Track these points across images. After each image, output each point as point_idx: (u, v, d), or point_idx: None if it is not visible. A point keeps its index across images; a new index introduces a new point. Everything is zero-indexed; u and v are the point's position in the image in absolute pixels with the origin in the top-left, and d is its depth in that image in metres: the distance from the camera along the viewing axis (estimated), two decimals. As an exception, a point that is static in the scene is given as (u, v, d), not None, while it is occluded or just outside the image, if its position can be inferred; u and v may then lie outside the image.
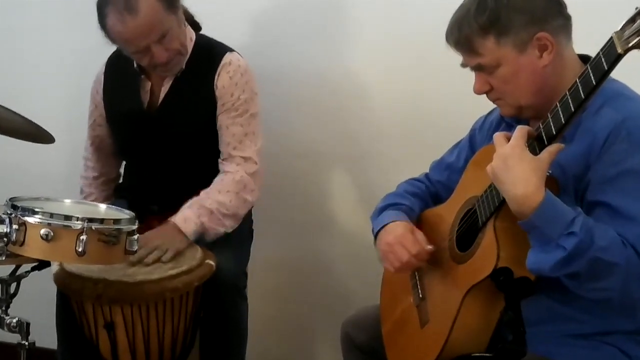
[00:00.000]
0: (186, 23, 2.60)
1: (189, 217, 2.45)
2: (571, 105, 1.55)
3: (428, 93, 2.80)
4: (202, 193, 2.52)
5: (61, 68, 3.23)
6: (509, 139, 1.66)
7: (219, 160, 2.60)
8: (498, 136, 1.69)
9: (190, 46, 2.59)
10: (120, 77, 2.70)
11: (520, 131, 1.65)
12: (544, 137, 1.64)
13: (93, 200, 2.77)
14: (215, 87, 2.56)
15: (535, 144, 1.65)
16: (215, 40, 2.68)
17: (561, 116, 1.57)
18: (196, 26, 2.68)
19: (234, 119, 2.57)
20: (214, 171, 2.60)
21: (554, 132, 1.60)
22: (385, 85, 2.88)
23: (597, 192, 1.66)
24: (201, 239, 2.48)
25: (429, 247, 1.97)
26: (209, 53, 2.61)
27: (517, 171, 1.60)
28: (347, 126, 2.97)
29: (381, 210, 2.18)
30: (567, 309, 1.75)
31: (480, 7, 1.77)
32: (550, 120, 1.61)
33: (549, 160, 1.61)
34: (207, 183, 2.56)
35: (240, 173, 2.55)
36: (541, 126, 1.65)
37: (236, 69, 2.58)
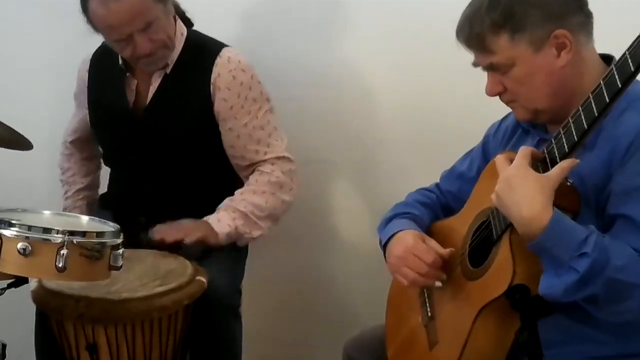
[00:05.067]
0: (177, 17, 2.61)
1: (223, 218, 2.52)
2: (594, 109, 1.54)
3: (438, 94, 2.80)
4: (237, 194, 2.59)
5: (41, 67, 3.24)
6: (512, 161, 1.67)
7: (250, 168, 2.63)
8: (500, 159, 1.71)
9: (181, 42, 2.61)
10: (104, 75, 2.71)
11: (523, 151, 1.67)
12: (548, 161, 1.65)
13: (72, 176, 2.86)
14: (212, 86, 2.57)
15: (540, 167, 1.67)
16: (208, 36, 2.70)
17: (583, 121, 1.57)
18: (188, 22, 2.69)
19: (251, 121, 2.59)
20: (208, 179, 2.62)
21: (576, 139, 1.59)
22: (391, 85, 2.89)
23: (618, 204, 1.66)
24: (191, 254, 2.49)
25: (446, 250, 1.97)
26: (202, 49, 2.63)
27: (522, 191, 1.61)
28: (349, 130, 2.98)
29: (388, 220, 2.18)
30: (587, 329, 1.75)
31: (493, 2, 1.78)
32: (573, 126, 1.60)
33: (558, 178, 1.61)
34: (200, 192, 2.58)
35: (276, 173, 2.60)
36: (546, 150, 1.67)
37: (237, 66, 2.60)
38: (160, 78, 2.61)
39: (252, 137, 2.60)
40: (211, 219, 2.52)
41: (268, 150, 2.62)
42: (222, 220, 2.52)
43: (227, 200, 2.58)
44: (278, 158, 2.62)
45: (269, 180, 2.60)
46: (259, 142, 2.61)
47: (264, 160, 2.62)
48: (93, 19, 2.45)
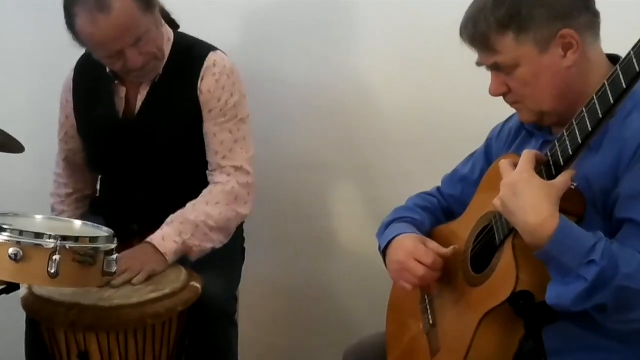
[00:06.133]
0: (162, 22, 2.58)
1: (167, 234, 2.45)
2: (599, 110, 1.54)
3: (440, 95, 2.81)
4: (188, 205, 2.53)
5: (29, 68, 3.24)
6: (515, 165, 1.67)
7: (207, 172, 2.61)
8: (503, 163, 1.71)
9: (168, 47, 2.59)
10: (91, 83, 2.69)
11: (527, 156, 1.67)
12: (552, 164, 1.66)
13: (68, 218, 2.78)
14: (199, 91, 2.57)
15: (543, 170, 1.67)
16: (195, 39, 2.68)
17: (587, 122, 1.57)
18: (173, 24, 2.67)
19: (222, 124, 2.58)
20: (200, 185, 2.60)
21: (580, 141, 1.59)
22: (391, 86, 2.89)
23: (625, 208, 1.66)
24: (185, 259, 2.49)
25: (446, 250, 1.97)
26: (190, 53, 2.61)
27: (527, 198, 1.61)
28: (349, 132, 2.98)
29: (387, 225, 2.19)
30: (594, 337, 1.74)
31: (497, 0, 1.77)
32: (576, 128, 1.60)
33: (563, 186, 1.61)
34: (192, 198, 2.57)
35: (231, 183, 2.57)
36: (549, 153, 1.68)
37: (222, 70, 2.59)
38: (149, 85, 2.60)
39: (217, 137, 2.58)
40: (156, 238, 2.44)
41: (228, 155, 2.58)
42: (167, 237, 2.44)
43: (176, 212, 2.52)
44: (236, 168, 2.58)
45: (222, 190, 2.56)
46: (221, 143, 2.58)
47: (221, 167, 2.58)
48: (80, 36, 2.42)
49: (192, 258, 2.52)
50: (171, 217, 2.50)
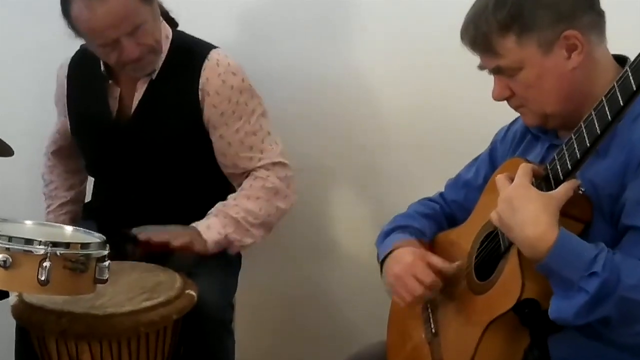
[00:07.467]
0: (161, 19, 2.59)
1: (213, 225, 2.51)
2: (608, 113, 1.54)
3: (444, 97, 2.81)
4: (229, 199, 2.59)
5: (22, 66, 3.24)
6: (512, 180, 1.67)
7: (244, 176, 2.63)
8: (500, 178, 1.71)
9: (166, 45, 2.59)
10: (84, 82, 2.70)
11: (524, 169, 1.67)
12: (551, 178, 1.66)
13: (55, 190, 2.85)
14: (201, 92, 2.56)
15: (543, 185, 1.67)
16: (195, 38, 2.69)
17: (596, 126, 1.56)
18: (172, 22, 2.68)
19: (243, 127, 2.59)
20: (198, 189, 2.61)
21: (588, 145, 1.59)
22: (395, 88, 2.89)
23: (631, 215, 1.65)
24: (181, 266, 2.49)
25: (448, 267, 1.96)
26: (189, 52, 2.62)
27: (525, 211, 1.61)
28: (351, 135, 2.98)
29: (387, 234, 2.18)
30: (601, 346, 1.74)
31: (499, 2, 1.77)
32: (585, 131, 1.59)
33: (563, 197, 1.62)
34: (189, 203, 2.57)
35: (272, 179, 2.60)
36: (548, 167, 1.68)
37: (226, 69, 2.58)
38: (146, 85, 2.59)
39: (244, 144, 2.60)
40: (201, 225, 2.51)
41: (262, 156, 2.61)
42: (212, 227, 2.51)
43: (219, 205, 2.57)
44: (273, 164, 2.62)
45: (263, 186, 2.59)
46: (251, 148, 2.60)
47: (259, 168, 2.61)
48: (76, 23, 2.43)
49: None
50: (215, 209, 2.55)
